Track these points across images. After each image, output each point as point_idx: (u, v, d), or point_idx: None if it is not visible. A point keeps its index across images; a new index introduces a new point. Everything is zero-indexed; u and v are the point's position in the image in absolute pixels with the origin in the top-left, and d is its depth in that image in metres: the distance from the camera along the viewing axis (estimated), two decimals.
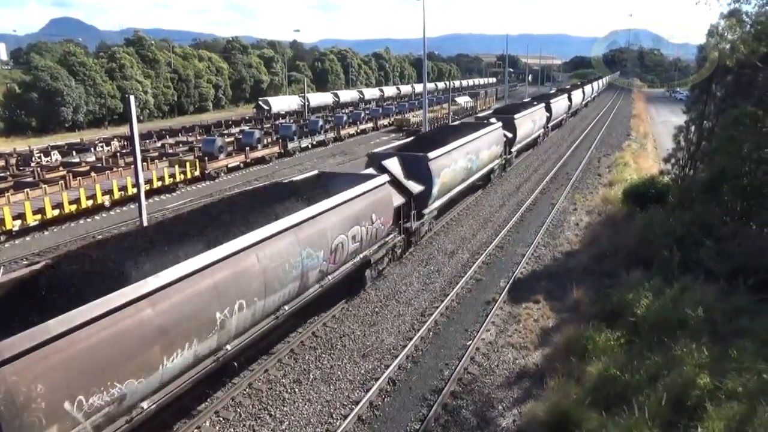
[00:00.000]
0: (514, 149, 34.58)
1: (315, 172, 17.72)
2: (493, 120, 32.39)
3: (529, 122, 38.97)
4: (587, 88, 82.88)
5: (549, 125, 48.35)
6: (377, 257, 16.45)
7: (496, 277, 17.96)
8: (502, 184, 31.77)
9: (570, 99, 61.03)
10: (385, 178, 16.47)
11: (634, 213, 20.61)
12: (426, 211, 20.14)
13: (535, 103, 46.18)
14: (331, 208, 13.30)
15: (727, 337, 11.02)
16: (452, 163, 22.05)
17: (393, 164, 18.78)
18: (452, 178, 22.27)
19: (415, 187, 18.80)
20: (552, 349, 13.06)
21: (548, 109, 46.82)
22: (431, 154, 20.24)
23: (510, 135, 32.45)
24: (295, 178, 16.41)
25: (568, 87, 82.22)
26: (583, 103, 76.81)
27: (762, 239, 14.68)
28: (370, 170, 17.79)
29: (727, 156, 16.53)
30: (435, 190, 20.20)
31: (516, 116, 34.94)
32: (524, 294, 16.53)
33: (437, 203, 21.19)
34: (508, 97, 78.43)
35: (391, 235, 17.34)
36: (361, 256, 15.30)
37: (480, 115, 38.33)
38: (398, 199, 17.37)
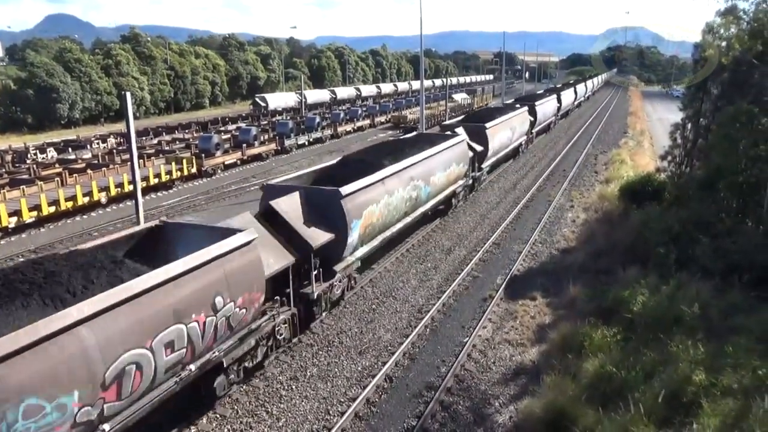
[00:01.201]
0: (485, 164, 28.75)
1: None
2: (458, 130, 26.42)
3: (506, 130, 32.82)
4: (580, 87, 77.74)
5: (533, 131, 42.87)
6: None
7: (493, 274, 17.98)
8: (499, 180, 31.78)
9: (559, 100, 55.53)
10: (246, 237, 10.56)
11: (630, 210, 20.66)
12: (338, 267, 14.53)
13: (518, 105, 40.71)
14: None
15: (723, 333, 11.08)
16: (385, 196, 16.55)
17: (288, 204, 13.60)
18: (384, 215, 16.68)
19: (318, 237, 13.48)
20: (548, 345, 13.09)
21: (532, 112, 41.53)
22: (346, 189, 14.56)
23: (480, 148, 26.79)
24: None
25: (558, 86, 77.56)
26: (576, 103, 72.18)
27: (757, 236, 14.75)
28: (239, 219, 11.95)
29: (723, 153, 16.60)
30: (352, 238, 14.79)
31: (488, 124, 28.99)
32: (521, 291, 16.57)
33: (358, 254, 15.65)
34: (506, 94, 78.33)
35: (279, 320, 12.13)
36: None
37: (446, 123, 32.30)
38: (280, 261, 12.02)
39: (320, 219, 13.96)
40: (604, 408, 9.53)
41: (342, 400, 11.39)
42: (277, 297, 12.30)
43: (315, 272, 13.46)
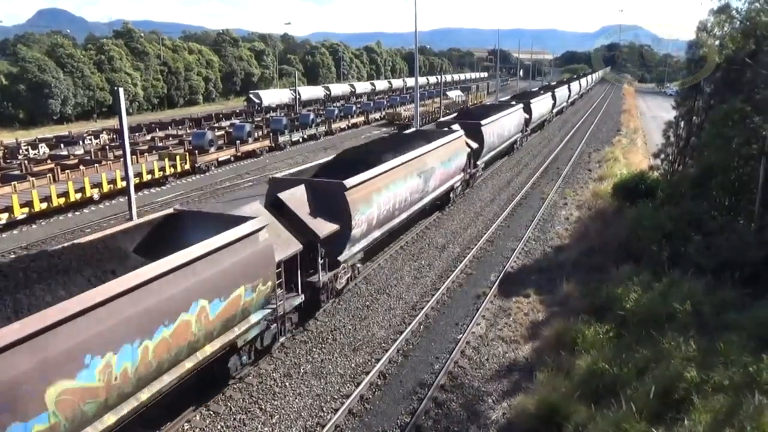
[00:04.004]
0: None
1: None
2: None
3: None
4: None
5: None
6: None
7: (487, 272, 18.02)
8: (493, 178, 31.82)
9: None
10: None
11: (623, 208, 20.75)
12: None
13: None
14: None
15: (715, 330, 11.14)
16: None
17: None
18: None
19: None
20: (542, 342, 13.14)
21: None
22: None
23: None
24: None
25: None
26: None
27: (749, 234, 14.82)
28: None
29: (715, 151, 16.68)
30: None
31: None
32: (515, 288, 16.61)
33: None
34: (500, 91, 78.46)
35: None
36: None
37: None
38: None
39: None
40: (597, 404, 9.58)
41: (335, 396, 11.39)
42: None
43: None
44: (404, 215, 18.83)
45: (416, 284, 16.97)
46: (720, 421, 8.26)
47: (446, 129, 26.37)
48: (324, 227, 13.88)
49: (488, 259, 19.18)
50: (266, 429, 10.46)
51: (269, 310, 11.59)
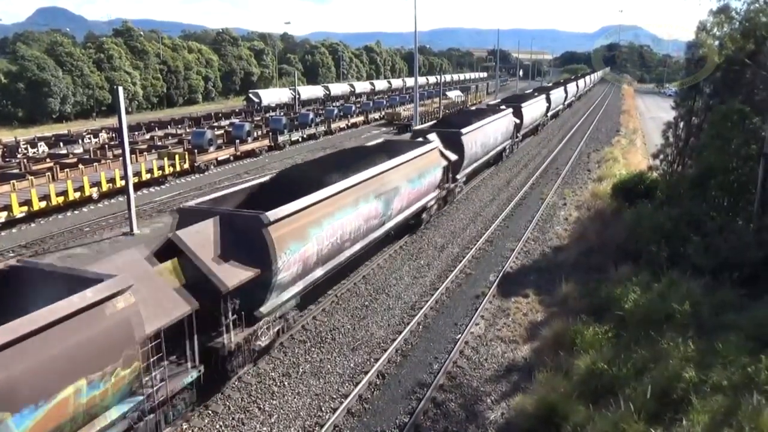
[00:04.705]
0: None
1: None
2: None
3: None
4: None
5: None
6: None
7: (486, 272, 18.02)
8: (493, 178, 31.84)
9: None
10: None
11: (622, 208, 20.75)
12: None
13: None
14: None
15: (713, 331, 11.15)
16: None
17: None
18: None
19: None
20: (540, 342, 13.15)
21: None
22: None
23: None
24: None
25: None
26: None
27: (747, 234, 14.83)
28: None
29: (714, 152, 16.68)
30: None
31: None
32: (514, 288, 16.61)
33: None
34: (500, 91, 78.53)
35: None
36: None
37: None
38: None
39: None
40: (595, 404, 9.58)
41: (334, 396, 11.39)
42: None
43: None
44: (358, 246, 15.46)
45: (415, 284, 16.98)
46: (718, 421, 8.27)
47: (420, 140, 23.40)
48: (235, 275, 10.71)
49: (487, 259, 19.19)
50: (265, 428, 10.46)
51: (137, 401, 8.64)
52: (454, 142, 24.74)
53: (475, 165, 28.52)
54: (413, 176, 19.16)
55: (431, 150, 21.41)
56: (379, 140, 23.86)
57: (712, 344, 10.35)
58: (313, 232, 12.98)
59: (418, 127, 31.06)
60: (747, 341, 10.35)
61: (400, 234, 20.59)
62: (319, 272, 13.72)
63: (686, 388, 9.21)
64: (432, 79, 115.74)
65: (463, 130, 26.06)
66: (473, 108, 49.82)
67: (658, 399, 9.14)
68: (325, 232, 13.49)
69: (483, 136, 28.86)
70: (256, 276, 11.13)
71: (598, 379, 10.37)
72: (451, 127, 27.29)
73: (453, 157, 23.44)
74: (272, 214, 11.64)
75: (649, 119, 64.33)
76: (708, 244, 14.88)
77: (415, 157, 19.63)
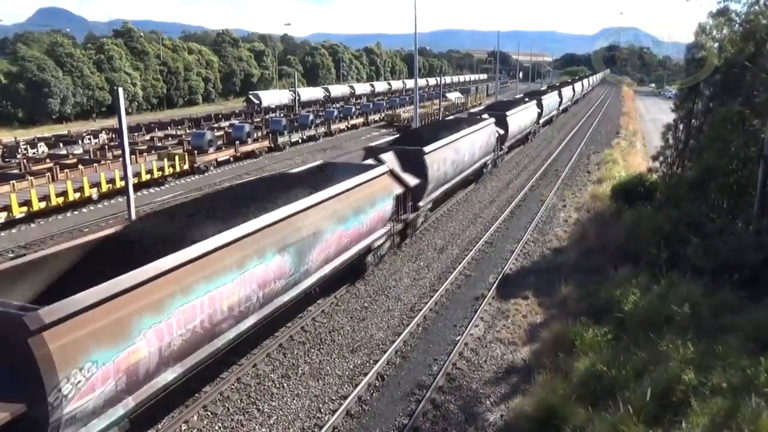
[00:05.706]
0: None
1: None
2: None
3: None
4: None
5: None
6: None
7: (486, 273, 18.02)
8: (492, 179, 31.84)
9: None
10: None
11: (622, 210, 20.73)
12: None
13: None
14: None
15: (713, 333, 11.13)
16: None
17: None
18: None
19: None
20: (540, 344, 13.13)
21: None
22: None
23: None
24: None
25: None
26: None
27: (747, 236, 14.83)
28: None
29: (714, 154, 16.69)
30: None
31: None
32: (513, 290, 16.61)
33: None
34: (500, 93, 78.54)
35: None
36: None
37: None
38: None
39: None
40: (595, 407, 9.57)
41: (333, 398, 11.38)
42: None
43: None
44: (252, 320, 11.31)
45: (415, 285, 16.97)
46: (718, 423, 8.25)
47: (369, 162, 18.77)
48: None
49: (487, 261, 19.19)
50: (264, 430, 10.45)
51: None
52: (414, 163, 20.14)
53: (444, 188, 23.57)
54: (346, 213, 14.77)
55: (379, 176, 17.22)
56: (316, 162, 19.50)
57: (711, 346, 10.33)
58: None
59: (373, 144, 27.92)
60: (747, 343, 10.34)
61: (336, 285, 16.19)
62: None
63: (686, 390, 9.19)
64: (432, 81, 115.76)
65: (426, 148, 21.00)
66: (450, 118, 43.67)
67: (657, 401, 9.12)
68: (174, 318, 9.06)
69: (454, 153, 23.89)
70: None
71: (598, 381, 10.35)
72: (416, 143, 22.05)
73: (413, 181, 19.09)
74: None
75: (649, 121, 64.37)
76: (708, 245, 14.87)
77: (352, 188, 15.30)
